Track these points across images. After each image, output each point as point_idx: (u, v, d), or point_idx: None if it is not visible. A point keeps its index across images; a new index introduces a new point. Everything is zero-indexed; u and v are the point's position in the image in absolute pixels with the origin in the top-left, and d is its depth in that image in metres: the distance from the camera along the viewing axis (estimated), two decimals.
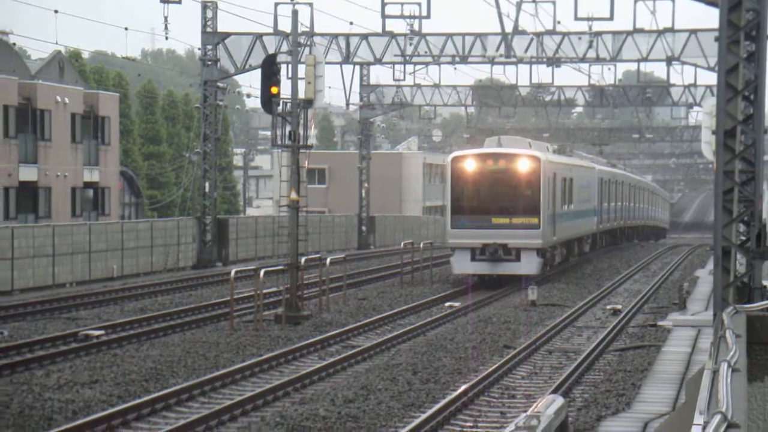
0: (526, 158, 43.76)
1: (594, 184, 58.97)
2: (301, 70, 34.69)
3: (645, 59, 55.35)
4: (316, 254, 48.35)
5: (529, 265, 43.16)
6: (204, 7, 55.03)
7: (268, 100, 34.03)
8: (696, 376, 17.46)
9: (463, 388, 21.99)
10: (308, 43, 48.85)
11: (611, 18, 47.15)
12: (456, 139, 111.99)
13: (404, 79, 65.46)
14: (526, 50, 54.45)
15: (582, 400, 22.09)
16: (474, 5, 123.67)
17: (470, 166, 43.74)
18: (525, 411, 20.04)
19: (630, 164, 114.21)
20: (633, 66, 63.63)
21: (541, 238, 43.42)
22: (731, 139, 22.72)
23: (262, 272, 32.92)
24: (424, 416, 19.61)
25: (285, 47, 49.90)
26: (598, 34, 54.04)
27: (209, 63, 55.45)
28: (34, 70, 66.00)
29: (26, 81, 59.84)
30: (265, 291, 34.47)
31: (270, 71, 34.19)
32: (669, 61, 55.27)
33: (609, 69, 66.93)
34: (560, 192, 47.44)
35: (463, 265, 43.39)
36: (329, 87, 63.41)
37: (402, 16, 50.65)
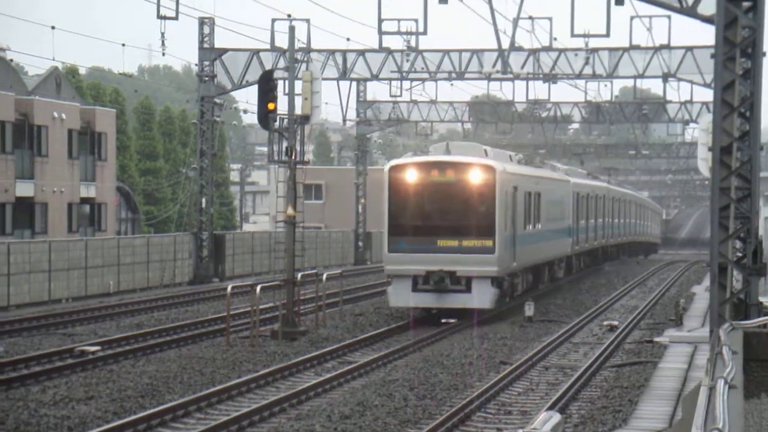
0: (478, 168, 36.76)
1: (568, 199, 52.67)
2: (298, 86, 34.73)
3: (641, 76, 55.45)
4: (312, 270, 48.33)
5: (481, 297, 36.22)
6: (201, 24, 55.09)
7: (265, 116, 34.07)
8: (693, 392, 17.44)
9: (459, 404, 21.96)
10: (305, 59, 48.87)
11: (608, 35, 47.20)
12: None
13: (401, 95, 65.54)
14: (523, 66, 54.51)
15: (579, 417, 22.07)
16: (471, 22, 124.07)
17: (411, 177, 36.70)
18: (522, 427, 20.05)
19: (627, 180, 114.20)
20: (629, 82, 63.83)
21: (497, 264, 36.59)
22: (727, 155, 22.74)
23: (258, 288, 32.91)
24: None
25: (282, 63, 49.96)
26: (595, 50, 54.13)
27: (206, 79, 55.49)
28: (31, 86, 66.03)
29: (23, 97, 59.86)
30: (261, 307, 34.44)
31: (267, 87, 34.23)
32: (665, 77, 55.37)
33: (605, 85, 67.06)
34: (522, 209, 40.64)
35: (401, 297, 36.42)
36: (326, 103, 63.30)
37: (399, 33, 50.70)
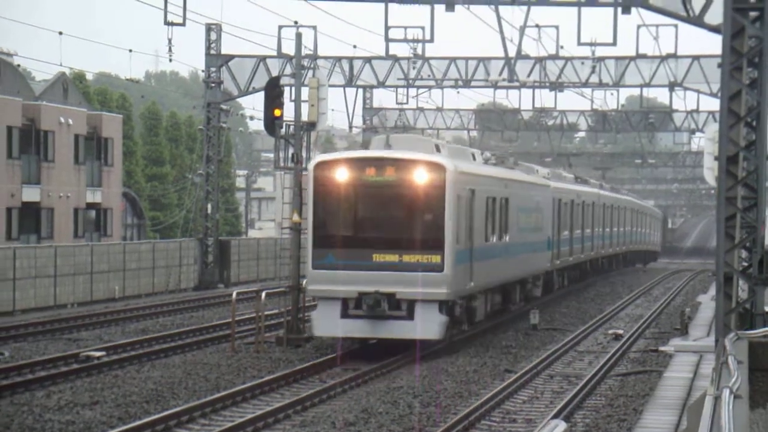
0: (424, 166, 30.12)
1: (547, 206, 45.73)
2: (305, 92, 34.75)
3: (648, 85, 55.51)
4: None
5: (426, 325, 29.52)
6: (208, 30, 55.18)
7: (271, 123, 34.11)
8: (698, 402, 17.43)
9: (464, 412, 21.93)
10: (311, 65, 48.91)
11: (614, 43, 47.18)
12: None
13: (407, 103, 65.64)
14: (529, 75, 54.56)
15: (583, 425, 22.05)
16: (477, 30, 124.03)
17: (342, 176, 30.23)
18: None
19: (633, 189, 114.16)
20: (636, 91, 63.86)
21: (447, 285, 29.86)
22: (734, 165, 22.74)
23: (263, 294, 32.91)
24: None
25: (288, 70, 50.01)
26: (601, 59, 54.18)
27: (213, 85, 55.56)
28: (38, 92, 66.13)
29: (30, 102, 59.95)
30: (266, 313, 34.45)
31: (273, 93, 34.27)
32: (672, 86, 55.43)
33: (612, 94, 67.16)
34: (483, 216, 34.06)
35: (328, 324, 29.88)
36: (332, 110, 63.37)
37: (405, 40, 50.72)
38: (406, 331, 29.68)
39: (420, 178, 30.10)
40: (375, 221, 30.43)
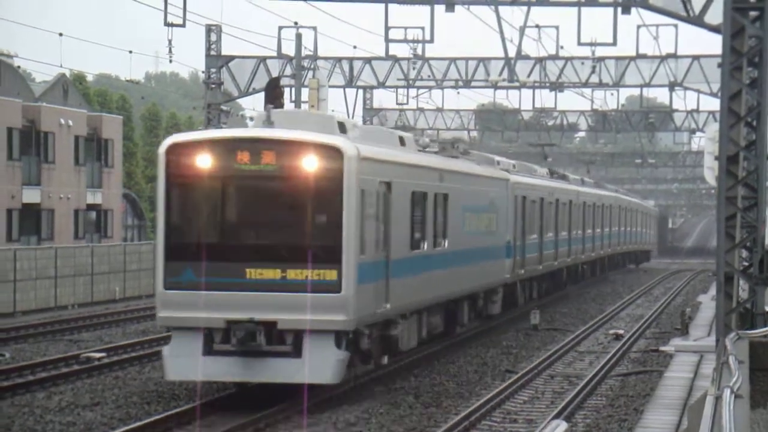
0: (314, 151, 22.61)
1: (505, 204, 37.90)
2: (305, 93, 34.77)
3: (648, 85, 55.51)
4: None
5: (318, 365, 22.21)
6: (208, 31, 55.17)
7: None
8: (698, 402, 17.45)
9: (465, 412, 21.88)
10: (312, 66, 48.94)
11: (614, 43, 47.19)
12: None
13: (407, 103, 65.64)
14: (529, 75, 54.56)
15: (584, 426, 22.06)
16: (477, 30, 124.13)
17: (203, 163, 22.84)
18: None
19: (633, 189, 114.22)
20: (636, 91, 63.87)
21: (347, 310, 22.43)
22: (734, 165, 22.75)
23: None
24: None
25: (288, 71, 50.02)
26: (601, 59, 54.18)
27: (213, 86, 55.55)
28: (38, 93, 66.16)
29: (30, 103, 59.97)
30: None
31: (273, 94, 34.30)
32: (672, 86, 55.44)
33: (612, 94, 67.13)
34: (405, 218, 26.14)
35: (185, 364, 22.47)
36: (332, 110, 63.55)
37: (405, 41, 50.71)
38: (290, 372, 22.16)
39: (309, 165, 22.44)
40: (249, 225, 22.99)
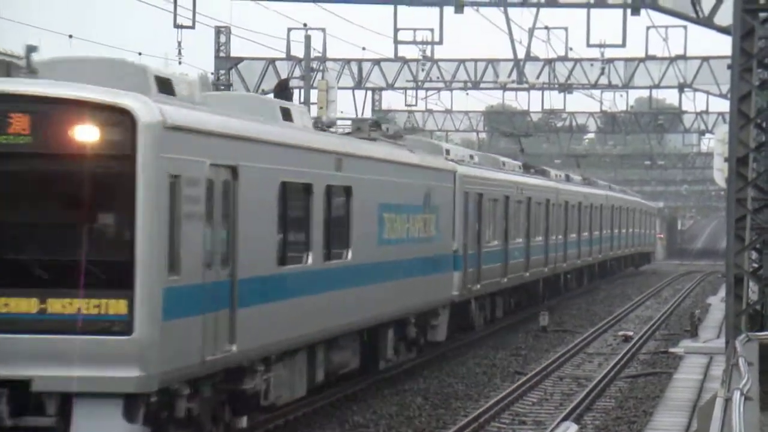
0: (89, 113, 14.32)
1: (448, 203, 29.37)
2: (314, 95, 34.80)
3: (657, 86, 55.50)
4: None
5: None
6: (217, 33, 55.23)
7: None
8: (708, 403, 17.43)
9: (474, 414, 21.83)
10: (321, 68, 48.97)
11: (623, 45, 47.18)
12: None
13: (416, 105, 65.65)
14: (538, 76, 54.56)
15: (593, 427, 22.03)
16: (486, 32, 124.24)
17: None
18: None
19: (641, 191, 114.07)
20: (645, 93, 63.82)
21: (142, 363, 14.26)
22: (744, 166, 22.72)
23: None
24: None
25: (298, 72, 50.06)
26: (610, 60, 54.15)
27: (222, 87, 55.61)
28: None
29: None
30: None
31: (283, 96, 34.28)
32: (681, 88, 55.41)
33: (621, 96, 67.08)
34: (269, 220, 18.09)
35: None
36: (341, 112, 63.46)
37: (414, 42, 50.72)
38: None
39: (82, 136, 14.36)
40: None
